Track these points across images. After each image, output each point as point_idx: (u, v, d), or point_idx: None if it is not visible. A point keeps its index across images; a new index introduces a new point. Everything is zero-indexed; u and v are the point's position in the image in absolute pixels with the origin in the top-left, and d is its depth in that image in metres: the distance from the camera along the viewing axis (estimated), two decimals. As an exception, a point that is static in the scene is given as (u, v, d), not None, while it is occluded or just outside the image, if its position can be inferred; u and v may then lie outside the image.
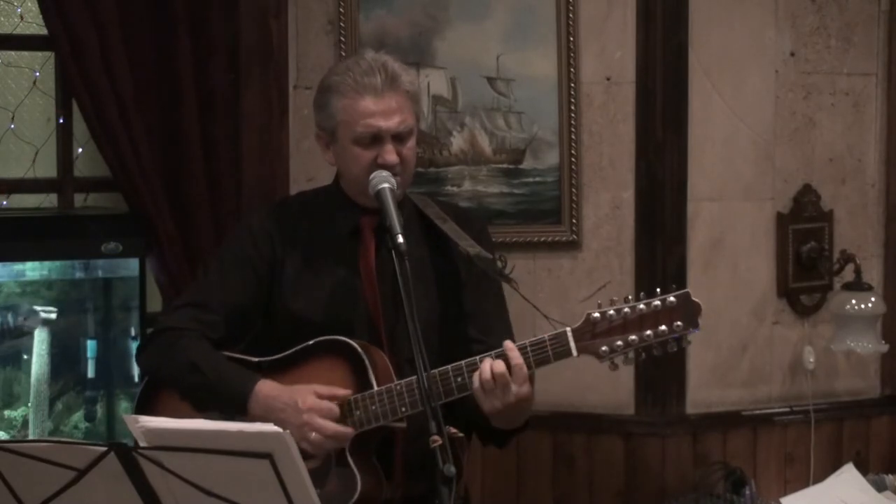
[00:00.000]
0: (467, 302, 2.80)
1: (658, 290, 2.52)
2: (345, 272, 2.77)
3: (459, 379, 2.57)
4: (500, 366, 2.51)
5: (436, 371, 2.57)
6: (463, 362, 2.58)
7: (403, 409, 2.59)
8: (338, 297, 2.77)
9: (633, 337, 2.49)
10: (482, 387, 2.52)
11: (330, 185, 2.86)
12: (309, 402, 2.60)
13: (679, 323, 2.48)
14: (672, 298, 2.49)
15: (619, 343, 2.50)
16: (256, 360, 2.77)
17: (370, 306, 2.74)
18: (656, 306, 2.49)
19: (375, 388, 2.62)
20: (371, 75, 2.68)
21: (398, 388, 2.60)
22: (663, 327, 2.49)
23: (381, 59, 2.72)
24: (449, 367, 2.58)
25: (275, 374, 2.71)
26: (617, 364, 2.53)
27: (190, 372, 2.71)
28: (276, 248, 2.81)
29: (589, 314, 2.53)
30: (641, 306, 2.50)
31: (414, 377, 2.52)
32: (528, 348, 2.54)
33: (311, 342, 2.71)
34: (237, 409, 2.63)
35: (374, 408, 2.62)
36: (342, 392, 2.63)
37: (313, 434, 2.59)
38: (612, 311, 2.51)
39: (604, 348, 2.50)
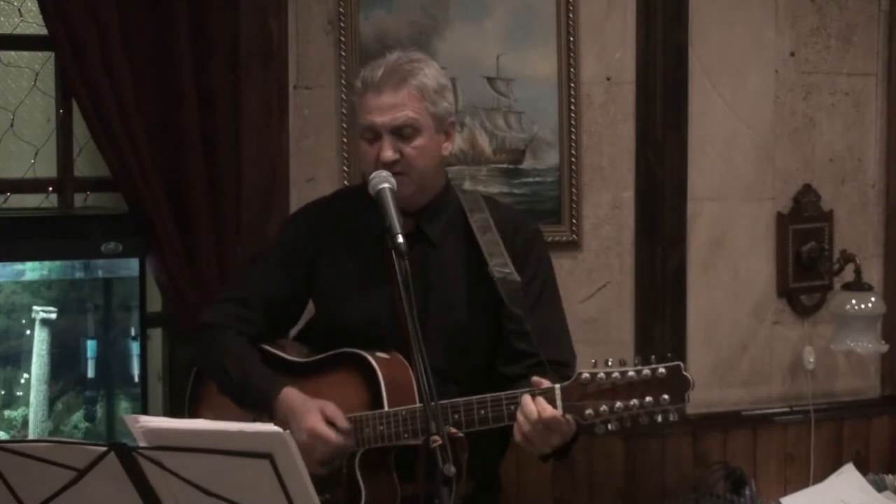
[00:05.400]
0: (513, 316, 2.74)
1: (653, 357, 2.47)
2: (377, 274, 2.77)
3: (482, 412, 2.56)
4: (533, 414, 2.47)
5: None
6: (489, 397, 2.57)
7: (406, 436, 2.60)
8: (369, 301, 2.78)
9: (619, 404, 2.43)
10: (525, 437, 2.50)
11: None
12: (309, 423, 2.63)
13: (666, 397, 2.43)
14: (662, 370, 2.43)
15: (604, 409, 2.43)
16: (289, 359, 2.85)
17: (400, 310, 2.74)
18: (646, 375, 2.43)
19: (386, 408, 2.64)
20: (375, 71, 2.70)
21: (403, 413, 2.61)
22: (649, 398, 2.42)
23: (396, 56, 2.74)
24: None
25: (302, 378, 2.77)
26: (601, 431, 2.46)
27: (221, 373, 2.82)
28: (317, 247, 2.85)
29: (580, 374, 2.47)
30: (631, 373, 2.44)
31: (418, 406, 2.55)
32: (519, 398, 2.52)
33: (336, 352, 2.75)
34: (265, 411, 2.70)
35: (381, 428, 2.63)
36: (345, 425, 2.64)
37: (304, 436, 2.62)
38: (601, 375, 2.45)
39: (588, 412, 2.44)
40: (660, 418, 2.44)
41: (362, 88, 2.72)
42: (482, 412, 2.56)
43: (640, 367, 2.44)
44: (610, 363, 2.47)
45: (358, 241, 2.83)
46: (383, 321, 2.74)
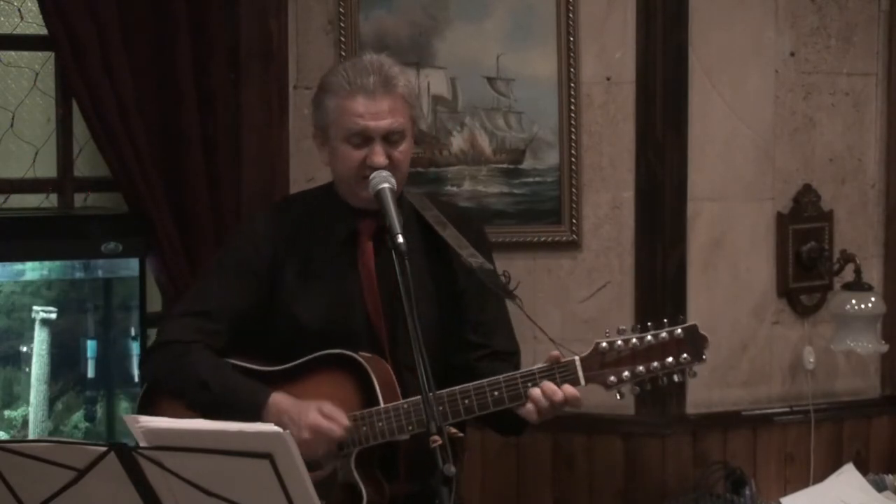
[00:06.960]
0: (470, 308, 2.79)
1: (665, 320, 2.56)
2: (345, 277, 2.76)
3: (496, 393, 2.58)
4: (558, 395, 2.54)
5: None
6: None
7: (410, 428, 2.59)
8: (338, 304, 2.76)
9: (641, 368, 2.54)
10: (539, 413, 2.56)
11: (327, 184, 2.85)
12: (311, 418, 2.58)
13: (686, 356, 2.53)
14: (679, 331, 2.54)
15: (627, 374, 2.54)
16: (263, 370, 2.74)
17: (371, 311, 2.74)
18: (664, 338, 2.54)
19: (382, 404, 2.63)
20: (365, 76, 2.67)
21: (405, 406, 2.60)
22: (670, 359, 2.53)
23: (378, 60, 2.72)
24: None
25: (281, 386, 2.69)
26: (623, 393, 2.57)
27: (200, 389, 2.68)
28: (276, 253, 2.79)
29: (597, 344, 2.55)
30: (649, 338, 2.54)
31: (419, 398, 2.50)
32: (537, 376, 2.56)
33: (317, 354, 2.70)
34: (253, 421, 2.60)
35: (380, 425, 2.61)
36: (345, 421, 2.60)
37: (306, 433, 2.56)
38: (619, 342, 2.55)
39: (611, 378, 2.55)
40: (677, 377, 2.54)
41: (349, 91, 2.67)
42: (496, 393, 2.58)
43: (657, 332, 2.54)
44: (621, 329, 2.56)
45: (322, 245, 2.79)
46: (356, 326, 2.73)
